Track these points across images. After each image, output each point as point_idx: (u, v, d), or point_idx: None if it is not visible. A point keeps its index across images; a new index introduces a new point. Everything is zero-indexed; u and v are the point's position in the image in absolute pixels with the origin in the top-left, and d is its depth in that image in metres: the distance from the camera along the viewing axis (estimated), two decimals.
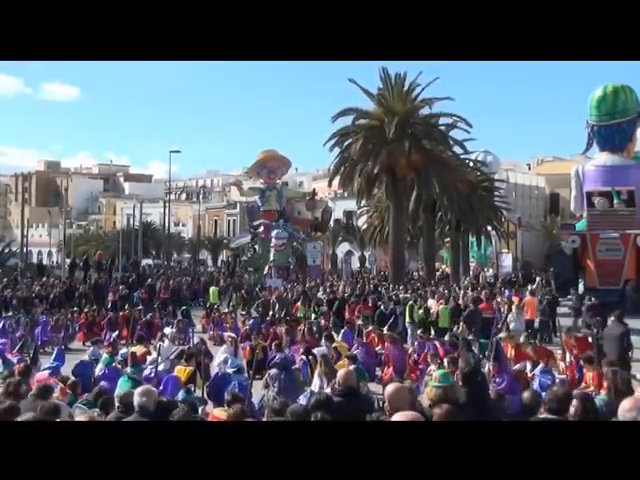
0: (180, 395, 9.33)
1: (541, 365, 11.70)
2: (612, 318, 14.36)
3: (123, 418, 5.90)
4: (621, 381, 6.54)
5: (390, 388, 5.35)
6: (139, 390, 6.00)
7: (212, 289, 29.74)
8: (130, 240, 50.28)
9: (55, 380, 9.70)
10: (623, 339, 13.25)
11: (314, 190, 52.14)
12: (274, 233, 39.77)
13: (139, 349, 13.24)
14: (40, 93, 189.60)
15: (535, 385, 10.69)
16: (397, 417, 3.93)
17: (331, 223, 65.39)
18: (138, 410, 5.76)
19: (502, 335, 13.52)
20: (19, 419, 3.71)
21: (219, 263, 67.78)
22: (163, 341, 14.57)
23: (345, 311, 21.11)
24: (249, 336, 16.82)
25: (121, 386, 9.14)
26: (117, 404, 6.50)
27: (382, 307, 20.05)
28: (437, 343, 14.32)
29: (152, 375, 10.52)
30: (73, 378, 10.23)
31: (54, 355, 13.08)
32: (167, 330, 16.70)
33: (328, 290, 25.68)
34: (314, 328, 17.57)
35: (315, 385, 10.98)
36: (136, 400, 5.82)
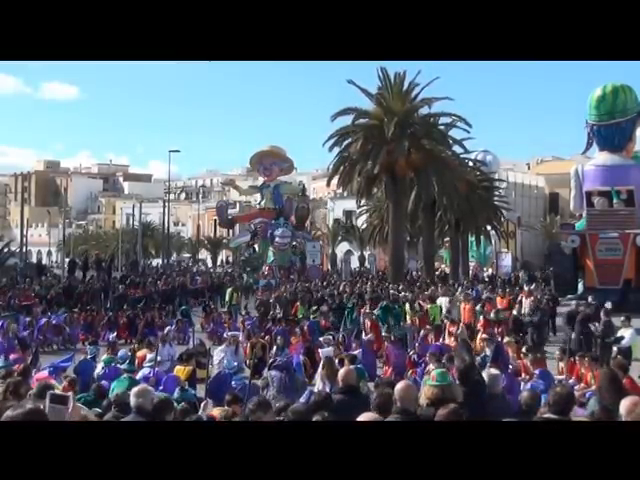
0: (176, 393, 9.33)
1: (539, 370, 11.62)
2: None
3: (120, 418, 5.88)
4: (610, 382, 6.50)
5: (400, 386, 5.38)
6: (135, 390, 5.94)
7: (228, 290, 28.47)
8: (130, 240, 50.27)
9: (58, 377, 9.68)
10: (546, 326, 16.53)
11: (304, 186, 51.99)
12: (279, 232, 39.35)
13: (143, 352, 13.14)
14: (39, 92, 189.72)
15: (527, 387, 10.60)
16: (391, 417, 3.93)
17: (330, 222, 65.49)
18: (135, 410, 5.73)
19: (505, 340, 13.44)
20: (12, 413, 3.67)
21: (218, 262, 67.84)
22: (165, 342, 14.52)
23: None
24: (249, 335, 16.82)
25: (117, 386, 9.12)
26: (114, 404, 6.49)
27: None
28: None
29: (151, 375, 10.50)
30: (73, 375, 10.22)
31: (66, 357, 12.88)
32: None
33: (328, 290, 25.61)
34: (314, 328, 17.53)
35: (317, 387, 10.91)
36: (132, 401, 5.78)
